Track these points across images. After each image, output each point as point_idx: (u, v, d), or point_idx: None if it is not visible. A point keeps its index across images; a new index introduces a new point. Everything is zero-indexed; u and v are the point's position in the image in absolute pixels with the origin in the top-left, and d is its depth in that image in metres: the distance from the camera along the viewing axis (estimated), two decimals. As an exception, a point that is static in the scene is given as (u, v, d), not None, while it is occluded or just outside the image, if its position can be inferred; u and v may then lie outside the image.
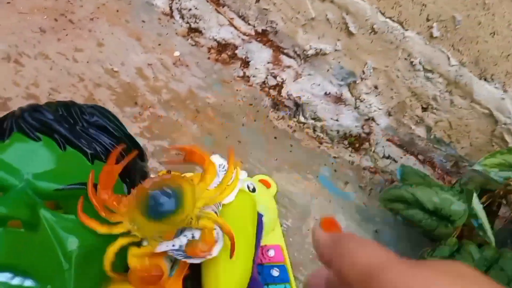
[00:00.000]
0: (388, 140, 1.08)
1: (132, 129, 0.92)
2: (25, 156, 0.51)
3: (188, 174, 0.63)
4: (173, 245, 0.54)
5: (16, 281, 0.46)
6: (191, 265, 0.59)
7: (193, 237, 0.55)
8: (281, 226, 0.86)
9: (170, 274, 0.59)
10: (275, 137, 1.06)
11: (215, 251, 0.55)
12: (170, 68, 1.11)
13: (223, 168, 0.68)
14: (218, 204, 0.62)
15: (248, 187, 0.83)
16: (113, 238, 0.53)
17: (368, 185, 1.01)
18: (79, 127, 0.56)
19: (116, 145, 0.56)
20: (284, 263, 0.78)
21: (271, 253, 0.78)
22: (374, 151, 1.06)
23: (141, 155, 0.63)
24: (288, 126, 1.10)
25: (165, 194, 0.53)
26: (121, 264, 0.54)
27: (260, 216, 0.70)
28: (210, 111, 1.05)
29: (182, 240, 0.55)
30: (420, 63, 0.98)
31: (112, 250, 0.51)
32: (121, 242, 0.51)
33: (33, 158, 0.51)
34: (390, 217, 0.96)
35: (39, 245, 0.48)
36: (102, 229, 0.51)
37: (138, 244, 0.54)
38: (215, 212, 0.59)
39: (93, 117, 0.58)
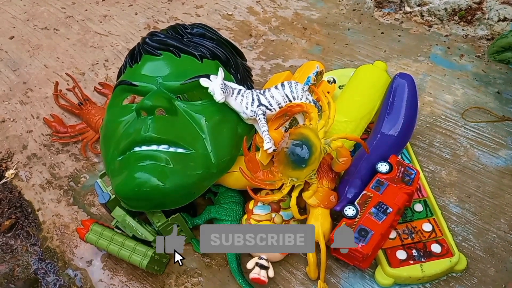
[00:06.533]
0: (502, 3, 1.03)
1: (250, 55, 1.07)
2: (154, 68, 0.71)
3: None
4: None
5: (172, 149, 0.66)
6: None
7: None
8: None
9: None
10: (382, 32, 1.10)
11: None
12: (276, 0, 1.23)
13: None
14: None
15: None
16: (231, 112, 0.69)
17: (486, 53, 0.99)
18: (185, 39, 0.74)
19: (216, 46, 0.74)
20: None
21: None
22: (488, 18, 1.02)
23: (241, 55, 0.80)
24: (394, 19, 1.13)
25: (297, 145, 0.64)
26: None
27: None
28: (316, 25, 1.14)
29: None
30: None
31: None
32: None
33: (160, 68, 0.71)
34: (513, 76, 0.94)
35: (181, 124, 0.67)
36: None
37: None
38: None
39: (193, 30, 0.76)
